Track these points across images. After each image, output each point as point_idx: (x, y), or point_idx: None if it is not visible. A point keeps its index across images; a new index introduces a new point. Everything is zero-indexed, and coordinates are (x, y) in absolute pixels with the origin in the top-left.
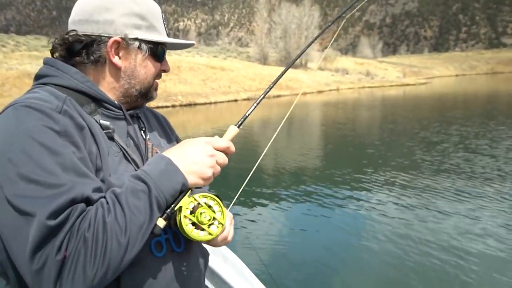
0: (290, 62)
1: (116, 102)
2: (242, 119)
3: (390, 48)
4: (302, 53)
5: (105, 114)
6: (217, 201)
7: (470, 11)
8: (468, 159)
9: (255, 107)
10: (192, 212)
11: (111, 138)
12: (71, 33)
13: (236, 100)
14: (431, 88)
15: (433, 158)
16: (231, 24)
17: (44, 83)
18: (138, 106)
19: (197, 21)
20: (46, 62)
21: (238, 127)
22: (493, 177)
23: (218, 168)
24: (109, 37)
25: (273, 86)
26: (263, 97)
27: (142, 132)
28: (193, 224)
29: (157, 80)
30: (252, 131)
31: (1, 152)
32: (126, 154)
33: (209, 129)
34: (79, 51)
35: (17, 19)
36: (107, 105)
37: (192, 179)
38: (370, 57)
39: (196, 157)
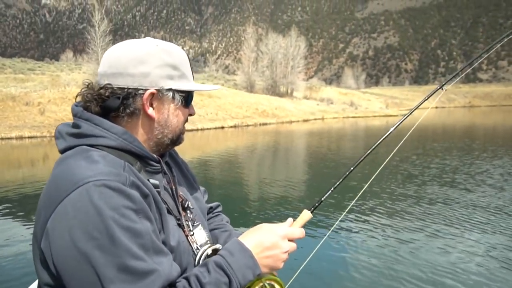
0: (412, 108)
1: (155, 156)
2: (316, 204)
3: (373, 80)
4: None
5: (148, 170)
6: (281, 284)
7: (447, 47)
8: (446, 192)
9: (333, 190)
10: None
11: (160, 195)
12: (107, 87)
13: (223, 127)
14: (413, 120)
15: (410, 189)
16: (219, 52)
17: (92, 144)
18: (165, 152)
19: (185, 48)
20: (86, 118)
21: (312, 212)
22: (467, 210)
23: (287, 258)
24: (145, 90)
25: (381, 141)
26: (352, 170)
27: (170, 176)
28: None
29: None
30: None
31: (86, 239)
32: (169, 209)
33: (196, 155)
34: (118, 106)
35: (3, 41)
36: (150, 161)
37: (265, 270)
38: (354, 88)
39: (273, 252)
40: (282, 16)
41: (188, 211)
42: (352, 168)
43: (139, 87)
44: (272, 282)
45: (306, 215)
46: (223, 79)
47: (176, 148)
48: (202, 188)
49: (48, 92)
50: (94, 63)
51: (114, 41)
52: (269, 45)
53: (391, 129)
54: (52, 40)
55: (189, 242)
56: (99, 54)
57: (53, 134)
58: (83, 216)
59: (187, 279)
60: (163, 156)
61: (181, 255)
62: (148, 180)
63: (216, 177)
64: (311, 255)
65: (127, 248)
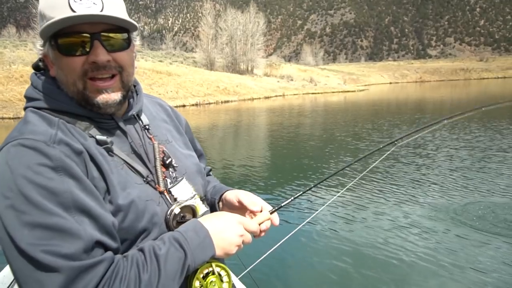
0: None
1: (100, 106)
2: (277, 207)
3: (330, 56)
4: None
5: (101, 127)
6: (227, 273)
7: (400, 24)
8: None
9: (294, 199)
10: (204, 277)
11: (111, 152)
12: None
13: (184, 106)
14: (369, 95)
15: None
16: (175, 29)
17: (35, 107)
18: (127, 106)
19: (139, 24)
20: (31, 80)
21: (271, 213)
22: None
23: (242, 246)
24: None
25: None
26: (318, 184)
27: (146, 131)
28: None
29: (98, 83)
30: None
31: (2, 198)
32: (129, 166)
33: None
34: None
35: None
36: (98, 119)
37: (219, 253)
38: (313, 65)
39: (228, 234)
40: None
41: (170, 168)
42: (317, 183)
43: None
44: (219, 269)
45: (265, 214)
46: (182, 56)
47: None
48: (199, 148)
49: None
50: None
51: None
52: (228, 22)
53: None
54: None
55: (164, 200)
56: None
57: (0, 116)
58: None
59: (141, 250)
60: (128, 111)
61: (137, 213)
62: (93, 136)
63: None
64: (281, 242)
65: (41, 205)
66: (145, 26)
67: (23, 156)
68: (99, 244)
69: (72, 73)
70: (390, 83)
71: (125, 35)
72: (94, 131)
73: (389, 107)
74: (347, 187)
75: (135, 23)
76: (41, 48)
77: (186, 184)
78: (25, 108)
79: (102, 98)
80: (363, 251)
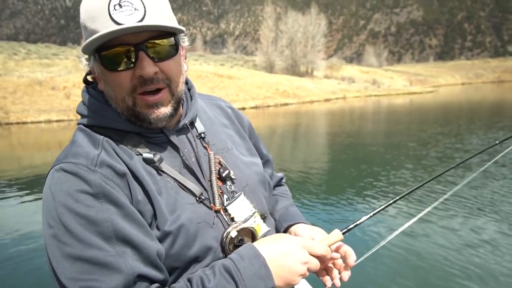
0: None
1: (151, 122)
2: (351, 226)
3: (395, 57)
4: None
5: (150, 141)
6: None
7: (475, 20)
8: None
9: (372, 215)
10: None
11: (160, 171)
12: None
13: (244, 108)
14: (438, 97)
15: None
16: (237, 33)
17: (84, 124)
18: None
19: (202, 30)
20: (82, 97)
21: (344, 233)
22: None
23: (307, 274)
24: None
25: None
26: (398, 199)
27: (201, 140)
28: None
29: (147, 97)
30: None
31: (46, 227)
32: (180, 185)
33: None
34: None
35: (26, 27)
36: (147, 134)
37: (278, 283)
38: (376, 66)
39: (289, 261)
40: None
41: (228, 182)
42: (397, 198)
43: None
44: None
45: (336, 235)
46: (242, 60)
47: None
48: (265, 154)
49: (73, 76)
50: None
51: None
52: (288, 24)
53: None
54: (73, 25)
55: (220, 220)
56: None
57: (79, 118)
58: (44, 203)
59: (189, 281)
60: (179, 122)
61: (187, 238)
62: (140, 154)
63: None
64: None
65: (80, 237)
66: (208, 31)
67: (64, 182)
68: (142, 277)
69: (120, 89)
70: (463, 83)
71: (171, 40)
72: (142, 148)
73: (460, 110)
74: (440, 200)
75: (181, 28)
76: (87, 62)
77: (244, 201)
78: (78, 124)
79: (153, 113)
80: (458, 279)
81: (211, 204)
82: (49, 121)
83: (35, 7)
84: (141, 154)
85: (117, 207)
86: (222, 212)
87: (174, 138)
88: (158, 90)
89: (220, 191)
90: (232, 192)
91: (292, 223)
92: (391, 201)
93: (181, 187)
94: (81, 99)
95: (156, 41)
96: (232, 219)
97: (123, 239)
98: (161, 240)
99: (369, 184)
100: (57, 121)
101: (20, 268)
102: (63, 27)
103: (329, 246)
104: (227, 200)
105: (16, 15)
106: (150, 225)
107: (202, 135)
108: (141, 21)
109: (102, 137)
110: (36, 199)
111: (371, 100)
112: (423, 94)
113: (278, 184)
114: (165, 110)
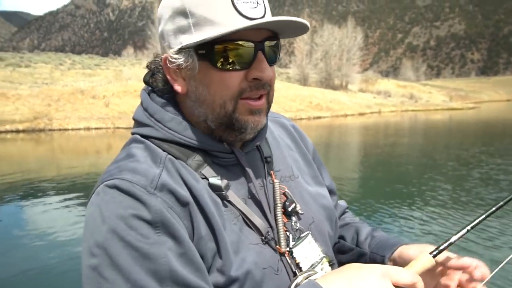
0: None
1: (226, 146)
2: (442, 247)
3: (434, 71)
4: None
5: (216, 162)
6: None
7: None
8: None
9: (469, 230)
10: None
11: (226, 200)
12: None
13: None
14: (480, 113)
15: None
16: None
17: (143, 134)
18: (250, 137)
19: None
20: (141, 101)
21: (434, 257)
22: None
23: None
24: (162, 57)
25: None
26: (495, 210)
27: (266, 165)
28: None
29: (251, 102)
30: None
31: (87, 255)
32: (246, 219)
33: None
34: (148, 80)
35: (72, 39)
36: (214, 153)
37: None
38: (413, 80)
39: None
40: (337, 7)
41: (293, 217)
42: (494, 209)
43: (159, 54)
44: None
45: (425, 259)
46: (276, 72)
47: None
48: (330, 182)
49: (112, 86)
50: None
51: None
52: (323, 37)
53: None
54: (115, 37)
55: (284, 265)
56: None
57: (116, 126)
58: (89, 224)
59: None
60: (248, 142)
61: (253, 287)
62: (206, 178)
63: None
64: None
65: (129, 274)
66: None
67: (118, 202)
68: None
69: (225, 92)
70: (508, 100)
71: (278, 44)
72: (207, 170)
73: (505, 128)
74: None
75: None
76: (176, 57)
77: (312, 243)
78: (132, 133)
79: (254, 121)
80: None
81: (277, 246)
82: (88, 129)
83: (82, 21)
84: (207, 178)
85: (175, 242)
86: (287, 255)
87: (243, 161)
88: (260, 96)
89: (285, 229)
90: (297, 230)
91: (396, 247)
92: (484, 215)
93: (245, 222)
94: (134, 107)
95: (272, 43)
96: (297, 265)
97: (180, 283)
98: (224, 287)
99: (402, 202)
100: (96, 128)
101: (48, 274)
102: (106, 39)
103: (419, 274)
104: (292, 241)
105: (64, 28)
106: (210, 266)
107: (268, 159)
108: (263, 17)
109: (165, 153)
110: (73, 204)
111: (407, 115)
112: (464, 110)
113: (343, 213)
114: (263, 119)
